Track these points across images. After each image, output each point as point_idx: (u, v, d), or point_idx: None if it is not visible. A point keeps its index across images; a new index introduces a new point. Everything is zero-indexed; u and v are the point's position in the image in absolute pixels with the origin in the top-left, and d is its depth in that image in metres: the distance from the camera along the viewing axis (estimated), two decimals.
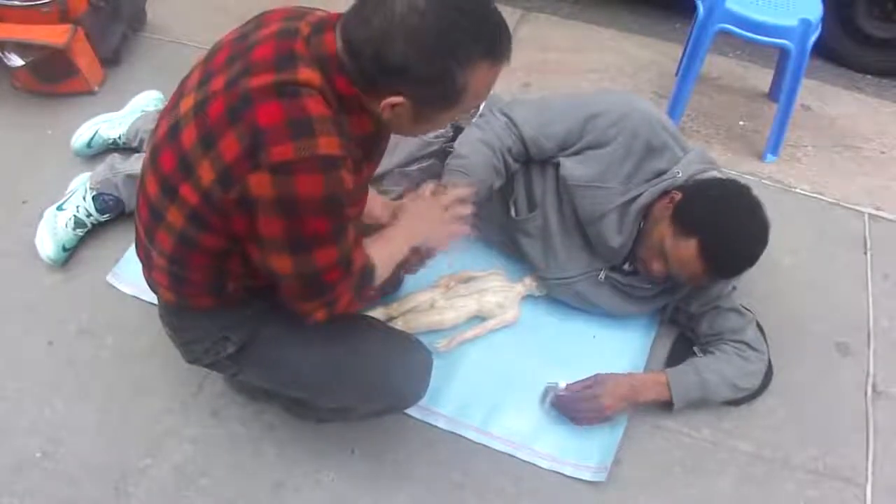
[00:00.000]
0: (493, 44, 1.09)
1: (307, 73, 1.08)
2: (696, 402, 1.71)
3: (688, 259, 1.57)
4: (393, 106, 1.09)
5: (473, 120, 1.84)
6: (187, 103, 1.16)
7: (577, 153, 1.69)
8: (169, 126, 1.19)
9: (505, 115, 1.74)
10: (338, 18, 1.12)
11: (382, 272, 1.34)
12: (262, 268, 1.19)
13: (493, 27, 1.09)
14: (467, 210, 1.48)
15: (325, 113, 1.08)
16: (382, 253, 1.35)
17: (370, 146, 1.23)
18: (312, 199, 1.08)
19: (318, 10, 1.20)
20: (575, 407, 1.66)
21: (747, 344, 1.74)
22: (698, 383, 1.68)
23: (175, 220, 1.19)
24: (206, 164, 1.10)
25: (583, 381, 1.68)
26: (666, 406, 1.70)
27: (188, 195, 1.14)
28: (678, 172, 1.66)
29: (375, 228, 1.47)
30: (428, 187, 1.53)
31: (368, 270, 1.29)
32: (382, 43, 1.04)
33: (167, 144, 1.18)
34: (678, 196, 1.62)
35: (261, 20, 1.20)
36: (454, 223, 1.46)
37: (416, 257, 1.51)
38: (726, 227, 1.56)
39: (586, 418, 1.66)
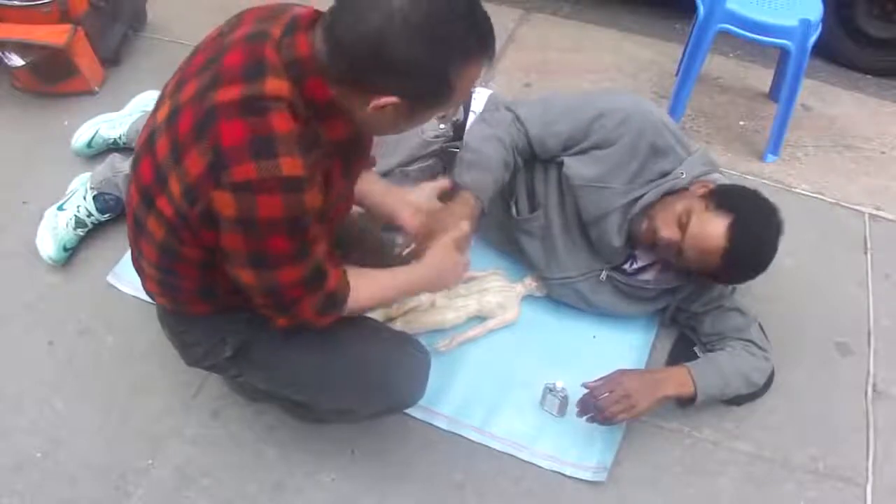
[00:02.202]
0: (485, 43, 1.09)
1: (275, 84, 1.06)
2: (714, 396, 1.69)
3: (712, 235, 1.56)
4: (383, 106, 1.07)
5: (479, 114, 1.83)
6: (163, 112, 1.15)
7: (581, 153, 1.69)
8: (147, 134, 1.18)
9: (511, 111, 1.74)
10: (315, 17, 1.10)
11: (370, 303, 1.37)
12: (231, 277, 1.19)
13: (484, 26, 1.08)
14: (471, 238, 1.53)
15: (291, 130, 1.06)
16: (381, 289, 1.37)
17: (350, 148, 1.21)
18: (272, 220, 1.07)
19: (299, 6, 1.17)
20: (607, 408, 1.57)
21: (753, 342, 1.74)
22: (719, 376, 1.67)
23: (154, 231, 1.19)
24: (174, 178, 1.10)
25: (602, 378, 1.62)
26: (685, 402, 1.68)
27: (164, 208, 1.14)
28: (682, 173, 1.67)
29: (397, 229, 1.52)
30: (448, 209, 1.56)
31: (339, 297, 1.27)
32: (383, 40, 1.01)
33: (145, 153, 1.17)
34: (711, 186, 1.65)
35: (238, 20, 1.18)
36: (463, 268, 1.50)
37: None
38: (759, 219, 1.60)
39: (617, 417, 1.58)
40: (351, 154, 1.22)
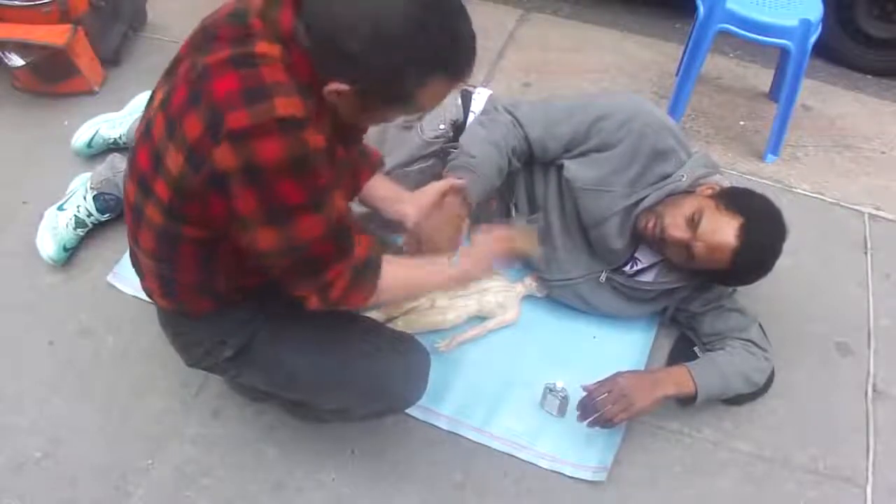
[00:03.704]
0: (456, 62, 1.07)
1: (265, 47, 1.06)
2: (715, 396, 1.69)
3: (724, 234, 1.58)
4: (337, 92, 1.06)
5: (477, 116, 1.83)
6: (158, 98, 1.16)
7: (581, 155, 1.69)
8: (144, 125, 1.18)
9: (510, 114, 1.74)
10: None
11: (404, 292, 1.39)
12: (252, 254, 1.15)
13: (461, 46, 1.06)
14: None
15: (284, 79, 1.04)
16: (413, 277, 1.36)
17: (338, 121, 1.19)
18: (276, 163, 1.03)
19: None
20: (605, 408, 1.57)
21: (753, 342, 1.73)
22: (719, 375, 1.67)
23: (153, 216, 1.17)
24: (172, 151, 1.08)
25: (601, 381, 1.61)
26: (686, 401, 1.68)
27: (161, 191, 1.13)
28: (682, 176, 1.67)
29: (398, 222, 1.51)
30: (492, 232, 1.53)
31: (372, 264, 1.24)
32: (343, 25, 1.01)
33: (142, 143, 1.17)
34: (717, 188, 1.67)
35: (216, 10, 1.17)
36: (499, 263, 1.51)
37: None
38: (768, 221, 1.62)
39: (616, 417, 1.57)
40: (342, 126, 1.20)
